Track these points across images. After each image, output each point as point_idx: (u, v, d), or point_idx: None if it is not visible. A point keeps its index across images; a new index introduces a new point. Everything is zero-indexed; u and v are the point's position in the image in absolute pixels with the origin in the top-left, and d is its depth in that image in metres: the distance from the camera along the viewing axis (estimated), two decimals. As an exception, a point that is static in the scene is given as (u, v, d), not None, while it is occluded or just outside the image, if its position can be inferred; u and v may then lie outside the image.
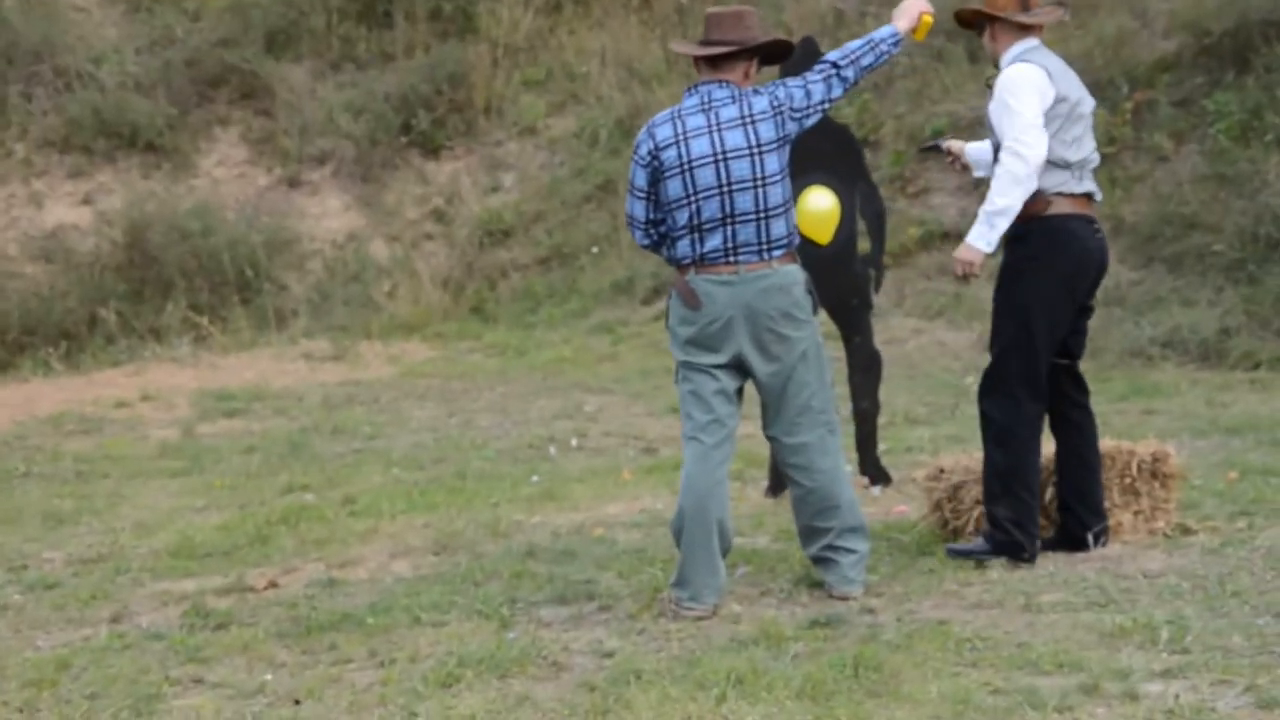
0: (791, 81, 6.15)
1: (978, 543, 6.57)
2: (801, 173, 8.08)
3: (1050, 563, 6.51)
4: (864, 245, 8.59)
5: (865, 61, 6.22)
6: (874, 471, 8.46)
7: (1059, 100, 6.38)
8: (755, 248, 6.03)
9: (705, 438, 6.09)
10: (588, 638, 5.90)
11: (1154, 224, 13.41)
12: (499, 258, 16.69)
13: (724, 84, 6.11)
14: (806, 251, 8.04)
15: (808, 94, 6.12)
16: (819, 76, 6.16)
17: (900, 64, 15.82)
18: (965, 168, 7.11)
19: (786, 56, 6.42)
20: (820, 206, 8.17)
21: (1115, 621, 5.64)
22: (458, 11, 18.19)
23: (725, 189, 6.01)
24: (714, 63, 6.13)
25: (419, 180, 17.53)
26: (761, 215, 6.02)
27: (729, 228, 6.02)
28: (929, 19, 6.35)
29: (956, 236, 14.85)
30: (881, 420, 10.31)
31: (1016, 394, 6.45)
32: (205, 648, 5.99)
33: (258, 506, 8.75)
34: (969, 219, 14.53)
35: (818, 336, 6.20)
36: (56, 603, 6.91)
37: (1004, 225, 6.34)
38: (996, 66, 6.65)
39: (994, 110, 6.46)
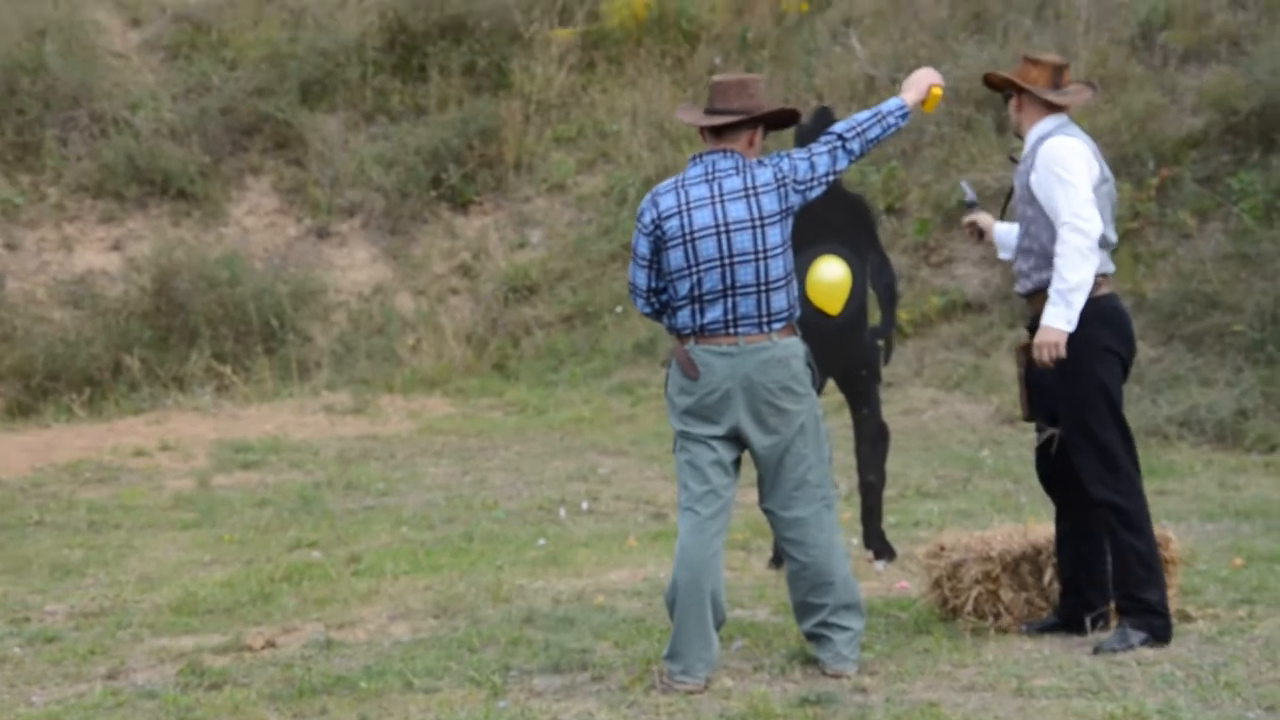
0: (797, 153, 6.17)
1: (1121, 634, 6.38)
2: (813, 242, 8.15)
3: (1045, 645, 6.50)
4: (874, 316, 8.61)
5: (872, 134, 6.23)
6: (878, 545, 8.45)
7: (1103, 180, 6.40)
8: (755, 320, 6.05)
9: (701, 509, 6.10)
10: (578, 709, 5.90)
11: (1175, 301, 13.40)
12: (523, 314, 16.75)
13: (729, 153, 6.13)
14: (817, 321, 8.13)
15: (812, 166, 6.14)
16: (824, 149, 6.18)
17: (928, 132, 15.87)
18: (983, 239, 7.08)
19: (792, 124, 6.46)
20: (831, 277, 8.20)
21: (1106, 709, 5.61)
22: (491, 67, 18.33)
23: (727, 261, 6.03)
24: (718, 132, 6.16)
25: (447, 234, 17.62)
26: (763, 288, 6.04)
27: (730, 299, 6.04)
28: (939, 91, 6.36)
29: (979, 307, 14.90)
30: (892, 493, 10.36)
31: (1131, 474, 6.43)
32: (197, 708, 6.01)
33: (263, 563, 8.78)
34: (991, 290, 14.73)
35: (817, 410, 6.20)
36: (55, 657, 6.95)
37: (1080, 301, 6.28)
38: (1019, 136, 6.67)
39: (1043, 183, 6.40)
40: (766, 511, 6.30)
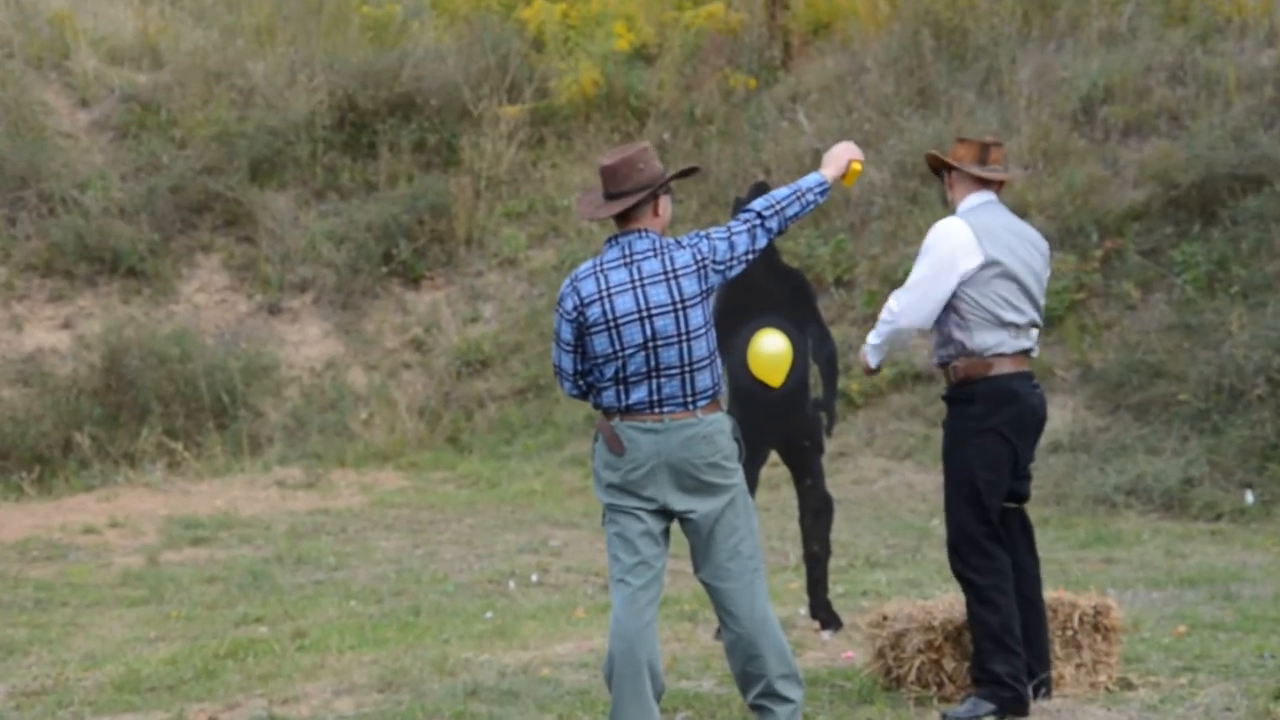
0: (716, 233, 6.17)
1: (972, 704, 6.48)
2: (755, 315, 8.23)
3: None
4: (817, 388, 8.68)
5: (790, 211, 6.24)
6: (824, 615, 8.47)
7: (988, 264, 6.48)
8: (680, 400, 6.06)
9: (632, 580, 6.10)
10: (520, 783, 5.89)
11: (1121, 372, 13.54)
12: (476, 388, 16.78)
13: (644, 233, 6.09)
14: (759, 393, 8.20)
15: (731, 246, 6.13)
16: (743, 228, 6.18)
17: (876, 205, 16.04)
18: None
19: (691, 174, 6.55)
20: (773, 349, 8.27)
21: (1046, 778, 5.64)
22: (441, 143, 18.44)
23: (650, 345, 6.03)
24: (624, 214, 6.17)
25: (399, 309, 17.66)
26: (687, 369, 6.06)
27: (654, 381, 6.05)
28: (858, 166, 6.38)
29: (929, 378, 14.99)
30: (842, 562, 10.41)
31: (988, 550, 6.52)
32: (136, 786, 5.98)
33: (209, 639, 8.74)
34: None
35: (744, 483, 6.23)
36: (-6, 736, 6.90)
37: (878, 355, 6.79)
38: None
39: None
40: (702, 581, 6.31)
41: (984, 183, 6.73)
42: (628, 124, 18.42)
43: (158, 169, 18.06)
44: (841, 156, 6.37)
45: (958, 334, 6.54)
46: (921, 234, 15.24)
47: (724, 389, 6.30)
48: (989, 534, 6.54)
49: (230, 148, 18.17)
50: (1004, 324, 6.51)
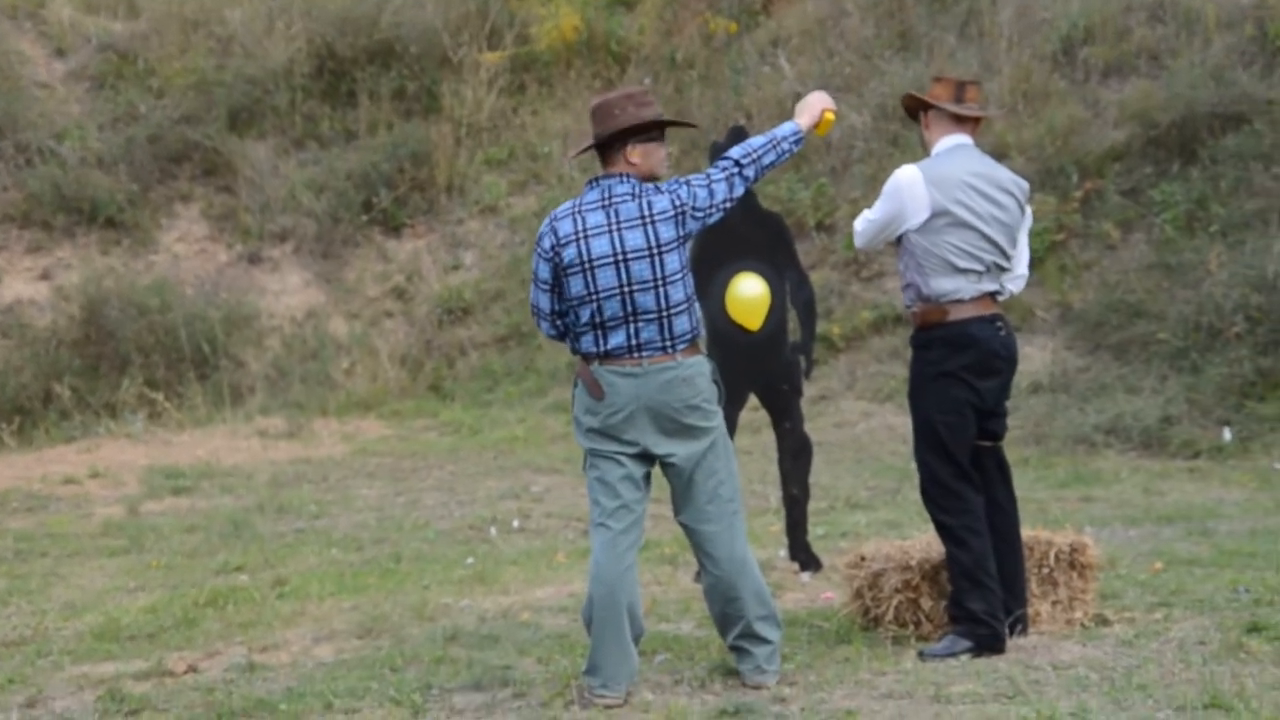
0: (695, 180, 6.16)
1: (949, 641, 6.53)
2: (732, 260, 8.22)
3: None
4: (795, 331, 8.68)
5: (767, 160, 6.25)
6: (804, 557, 8.50)
7: (936, 214, 6.48)
8: (659, 344, 6.06)
9: (613, 524, 6.12)
10: (498, 725, 5.91)
11: (1101, 312, 13.55)
12: (458, 336, 16.76)
13: (625, 178, 6.08)
14: (737, 337, 8.19)
15: (710, 193, 6.13)
16: (721, 175, 6.18)
17: (856, 149, 16.00)
18: None
19: (689, 126, 6.58)
20: (751, 293, 8.26)
21: (1020, 713, 5.66)
22: (421, 91, 18.36)
23: (626, 289, 6.03)
24: (607, 157, 6.14)
25: (380, 258, 17.62)
26: (664, 313, 6.06)
27: (632, 325, 6.05)
28: (831, 115, 6.40)
29: (908, 321, 14.99)
30: (822, 504, 10.43)
31: (957, 490, 6.55)
32: (114, 733, 6.00)
33: (189, 588, 8.75)
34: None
35: (724, 426, 6.24)
36: (-27, 687, 6.90)
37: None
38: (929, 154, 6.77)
39: None
40: (681, 524, 6.33)
41: (960, 122, 6.71)
42: (609, 70, 18.35)
43: (135, 119, 17.96)
44: (815, 105, 6.37)
45: (917, 279, 6.57)
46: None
47: (703, 332, 6.31)
48: (956, 474, 6.57)
49: (208, 97, 18.08)
50: (959, 270, 6.52)
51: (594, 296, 6.04)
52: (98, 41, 18.74)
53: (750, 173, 6.22)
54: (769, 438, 10.50)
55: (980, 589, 6.51)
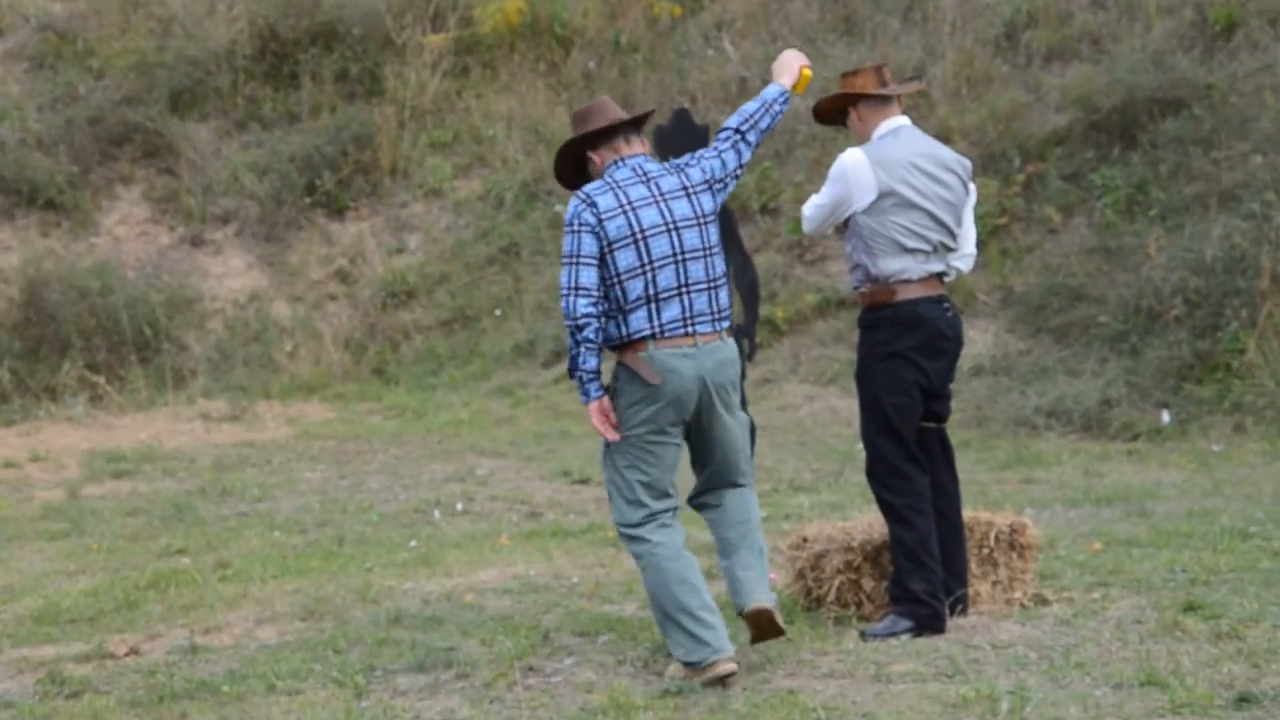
0: (706, 153, 6.24)
1: (890, 621, 6.58)
2: (676, 243, 8.21)
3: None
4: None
5: (764, 124, 6.33)
6: (747, 539, 8.51)
7: (883, 195, 6.53)
8: (709, 317, 6.08)
9: (671, 521, 6.14)
10: (441, 706, 5.92)
11: (1042, 295, 13.65)
12: (402, 319, 16.71)
13: (646, 157, 6.19)
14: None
15: (723, 163, 6.23)
16: (728, 145, 6.26)
17: (800, 132, 16.03)
18: None
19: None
20: (695, 276, 8.25)
21: (959, 692, 5.72)
22: (364, 73, 18.27)
23: (679, 257, 6.04)
24: (629, 138, 6.19)
25: (323, 240, 17.54)
26: (712, 284, 6.10)
27: (685, 297, 6.04)
28: (808, 72, 6.45)
29: (853, 304, 15.05)
30: (766, 487, 10.47)
31: (903, 471, 6.60)
32: (54, 716, 5.97)
33: (130, 571, 8.71)
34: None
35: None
36: (-89, 670, 6.85)
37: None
38: None
39: None
40: (700, 505, 6.33)
41: (889, 104, 6.75)
42: (553, 53, 18.31)
43: (75, 100, 17.82)
44: (792, 64, 6.44)
45: (865, 260, 6.61)
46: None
47: None
48: (903, 455, 6.62)
49: (149, 78, 17.94)
50: (907, 250, 6.56)
51: (647, 267, 6.02)
52: (36, 21, 18.56)
53: (752, 138, 6.31)
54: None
55: (922, 569, 6.57)
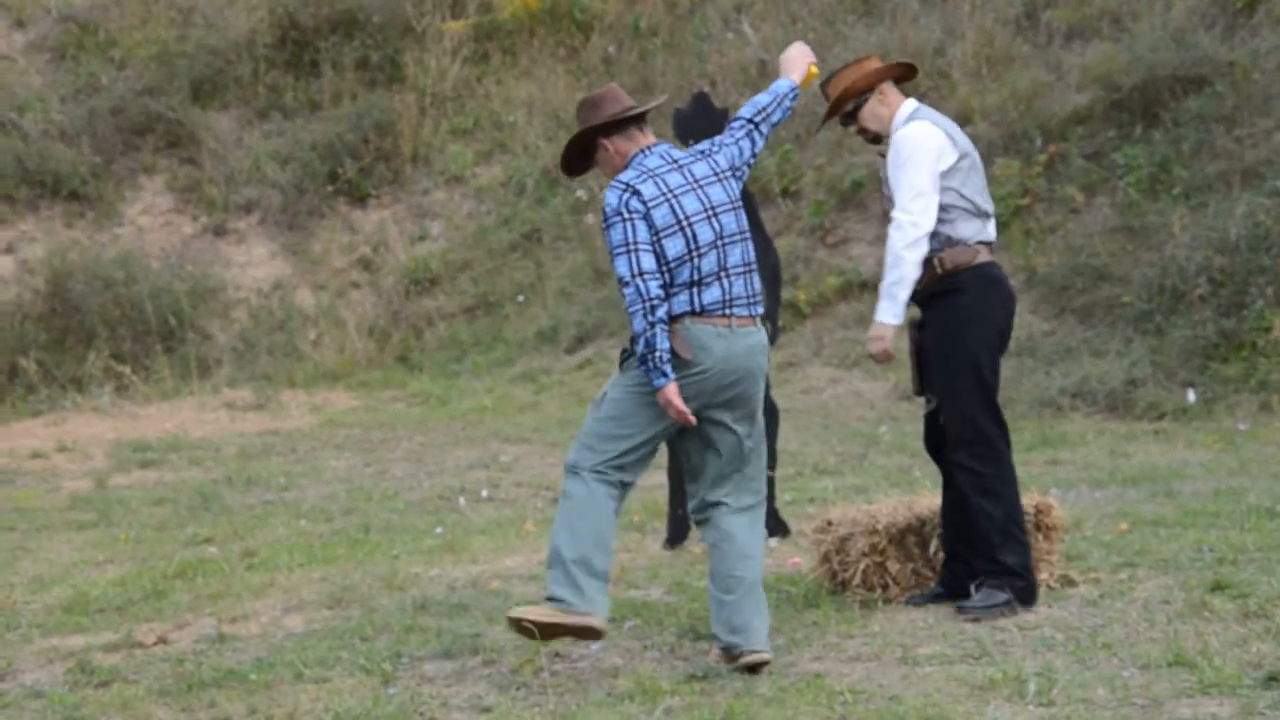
0: (725, 140, 6.25)
1: (986, 594, 6.50)
2: (698, 228, 8.21)
3: (931, 614, 6.59)
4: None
5: (775, 118, 6.34)
6: (771, 523, 8.52)
7: (962, 156, 6.54)
8: (745, 300, 6.07)
9: (732, 501, 6.13)
10: (468, 693, 5.93)
11: (1065, 275, 13.61)
12: (425, 306, 16.74)
13: (670, 145, 6.20)
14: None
15: (740, 151, 6.24)
16: (742, 134, 6.27)
17: (821, 114, 15.98)
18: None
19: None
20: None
21: (986, 674, 5.72)
22: (385, 61, 18.30)
23: (720, 243, 6.05)
24: (643, 128, 6.18)
25: (346, 229, 17.58)
26: (748, 268, 6.11)
27: (725, 281, 6.05)
28: (815, 70, 6.48)
29: (875, 286, 15.03)
30: (790, 470, 10.48)
31: (993, 442, 6.55)
32: (84, 705, 5.99)
33: (158, 560, 8.74)
34: (887, 269, 14.88)
35: None
36: (-58, 660, 6.89)
37: (905, 295, 6.46)
38: (884, 139, 6.72)
39: (892, 170, 6.56)
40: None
41: (902, 91, 6.79)
42: (572, 38, 18.31)
43: (97, 90, 17.87)
44: (800, 61, 6.45)
45: (941, 228, 6.52)
46: (866, 145, 15.40)
47: None
48: (995, 422, 6.54)
49: (170, 68, 17.99)
50: (981, 212, 6.57)
51: (694, 254, 6.02)
52: (58, 13, 18.63)
53: (764, 129, 6.31)
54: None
55: (1013, 542, 6.50)
